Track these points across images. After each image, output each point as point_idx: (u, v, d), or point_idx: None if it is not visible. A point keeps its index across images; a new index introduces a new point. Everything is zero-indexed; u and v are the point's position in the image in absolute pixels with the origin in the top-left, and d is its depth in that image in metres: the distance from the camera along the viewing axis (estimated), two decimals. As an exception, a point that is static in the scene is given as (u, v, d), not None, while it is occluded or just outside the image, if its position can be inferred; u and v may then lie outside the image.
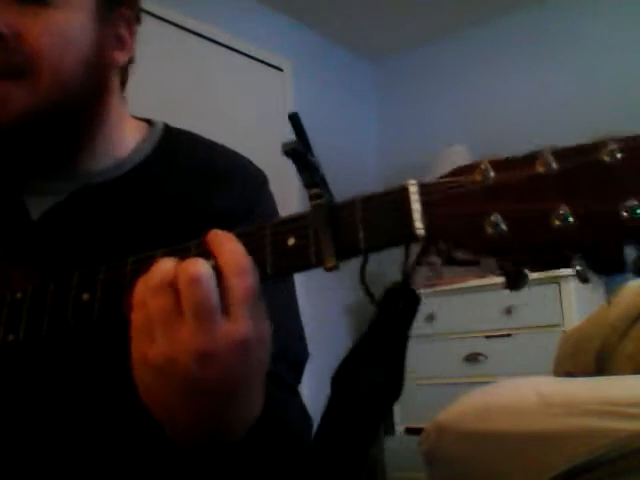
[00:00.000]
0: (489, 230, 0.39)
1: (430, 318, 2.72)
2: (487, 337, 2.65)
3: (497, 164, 0.40)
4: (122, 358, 0.66)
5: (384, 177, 3.62)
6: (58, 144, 0.71)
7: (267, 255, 0.46)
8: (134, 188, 0.73)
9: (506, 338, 2.60)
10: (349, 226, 0.43)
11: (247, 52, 2.99)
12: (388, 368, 0.48)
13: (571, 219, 0.37)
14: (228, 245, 0.46)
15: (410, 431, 2.65)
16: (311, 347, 0.76)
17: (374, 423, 0.49)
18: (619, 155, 0.37)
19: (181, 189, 0.73)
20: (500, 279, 0.42)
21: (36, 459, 0.65)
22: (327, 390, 0.49)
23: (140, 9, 0.77)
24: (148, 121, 0.81)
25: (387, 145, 3.67)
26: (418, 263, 0.45)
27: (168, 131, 0.80)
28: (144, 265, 0.49)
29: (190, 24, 2.74)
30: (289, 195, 2.94)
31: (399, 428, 2.77)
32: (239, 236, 0.47)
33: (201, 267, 0.45)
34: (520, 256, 0.40)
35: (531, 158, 0.39)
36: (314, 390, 1.02)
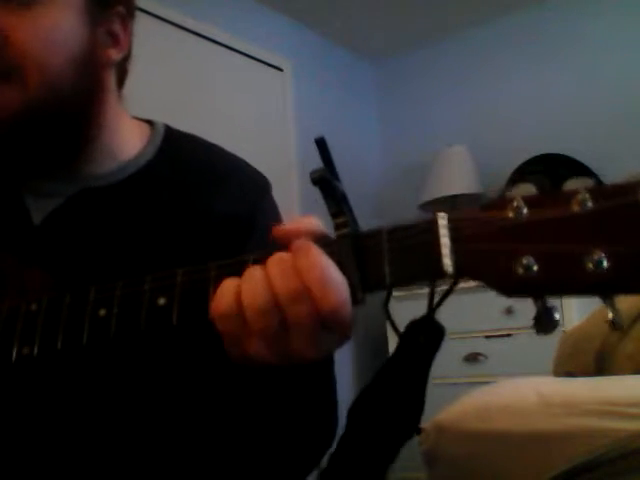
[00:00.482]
0: (520, 271, 0.38)
1: (430, 318, 2.72)
2: (487, 337, 2.65)
3: (530, 200, 0.39)
4: (139, 372, 0.66)
5: (384, 177, 3.62)
6: (55, 144, 0.70)
7: None
8: (137, 191, 0.73)
9: (506, 338, 2.60)
10: (375, 259, 0.42)
11: (247, 52, 2.99)
12: (405, 403, 0.47)
13: (605, 264, 0.36)
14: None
15: (410, 431, 2.65)
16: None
17: (387, 458, 0.49)
18: None
19: (183, 193, 0.73)
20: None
21: (47, 472, 0.65)
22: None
23: (134, 5, 0.75)
24: (149, 122, 0.81)
25: (387, 145, 3.66)
26: (445, 297, 0.45)
27: (169, 134, 0.79)
28: (163, 282, 0.49)
29: (190, 24, 2.73)
30: (289, 195, 2.94)
31: (399, 428, 2.77)
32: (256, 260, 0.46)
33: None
34: (551, 296, 0.38)
35: (567, 196, 0.38)
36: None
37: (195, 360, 0.65)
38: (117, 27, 0.72)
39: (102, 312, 0.51)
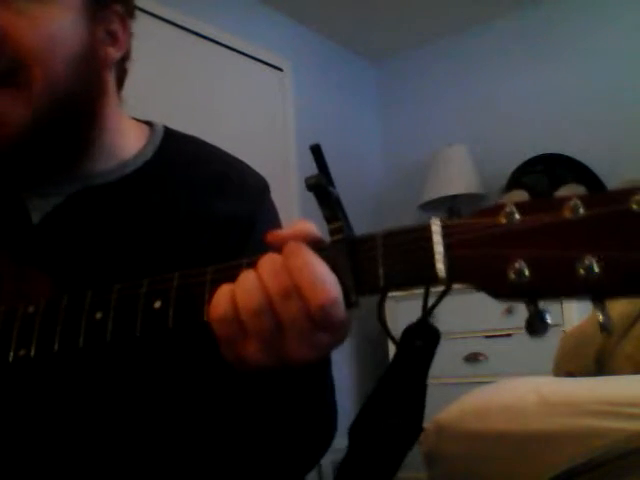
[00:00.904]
0: (512, 276, 0.38)
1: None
2: (487, 337, 2.65)
3: (522, 206, 0.39)
4: (135, 375, 0.66)
5: (384, 176, 3.62)
6: (57, 149, 0.70)
7: None
8: (135, 191, 0.73)
9: (506, 338, 2.60)
10: (369, 263, 0.43)
11: (247, 52, 2.99)
12: (405, 410, 0.47)
13: (596, 269, 0.36)
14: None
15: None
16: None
17: (392, 467, 0.49)
18: None
19: (181, 193, 0.73)
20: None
21: (44, 474, 0.65)
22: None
23: (133, 4, 0.75)
24: (148, 123, 0.81)
25: (387, 145, 3.67)
26: (439, 301, 0.46)
27: (169, 135, 0.79)
28: (159, 285, 0.49)
29: (190, 24, 2.74)
30: (289, 196, 2.94)
31: (399, 428, 2.77)
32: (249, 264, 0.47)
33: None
34: (542, 300, 0.39)
35: (558, 202, 0.38)
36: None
37: (191, 363, 0.65)
38: (116, 26, 0.72)
39: (98, 315, 0.51)
